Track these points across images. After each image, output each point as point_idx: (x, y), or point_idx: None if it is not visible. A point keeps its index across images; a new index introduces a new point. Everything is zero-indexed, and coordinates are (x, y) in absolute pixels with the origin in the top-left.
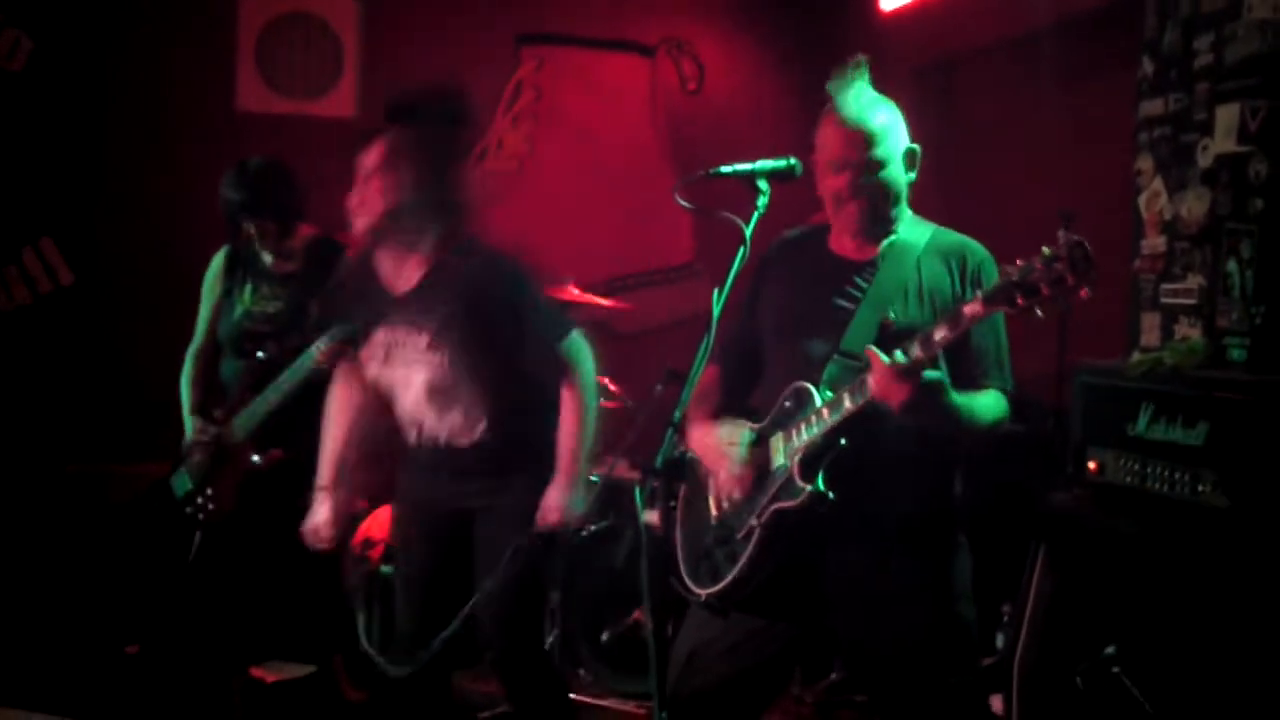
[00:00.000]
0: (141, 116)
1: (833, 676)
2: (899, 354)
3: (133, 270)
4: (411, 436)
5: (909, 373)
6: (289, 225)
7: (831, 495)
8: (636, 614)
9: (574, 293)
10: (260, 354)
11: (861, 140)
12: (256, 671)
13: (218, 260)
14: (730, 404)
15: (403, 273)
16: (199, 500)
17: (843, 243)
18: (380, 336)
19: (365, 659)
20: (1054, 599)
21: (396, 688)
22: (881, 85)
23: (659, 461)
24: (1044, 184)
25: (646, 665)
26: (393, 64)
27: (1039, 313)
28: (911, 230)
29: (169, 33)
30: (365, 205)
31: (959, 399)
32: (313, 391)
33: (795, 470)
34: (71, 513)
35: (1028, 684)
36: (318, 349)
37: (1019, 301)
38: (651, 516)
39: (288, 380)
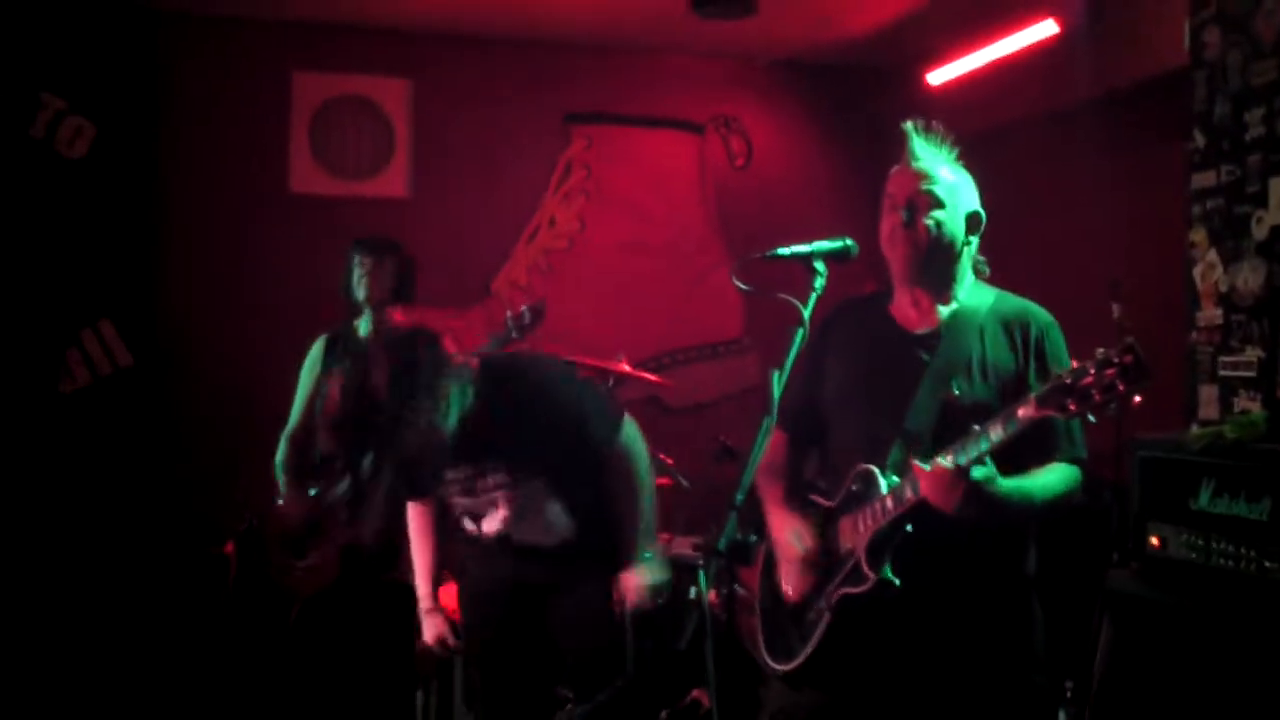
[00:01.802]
0: (198, 199)
1: None
2: (944, 460)
3: (190, 351)
4: (490, 538)
5: (958, 477)
6: (404, 302)
7: (898, 582)
8: (695, 693)
9: (625, 368)
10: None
11: (920, 179)
12: None
13: (318, 346)
14: (796, 475)
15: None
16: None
17: (904, 310)
18: (451, 474)
19: None
20: (1119, 675)
21: None
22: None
23: (722, 544)
24: (1094, 255)
25: None
26: (443, 143)
27: (1091, 418)
28: (973, 296)
29: (224, 117)
30: None
31: (1013, 490)
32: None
33: (862, 558)
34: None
35: None
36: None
37: (1071, 407)
38: (713, 597)
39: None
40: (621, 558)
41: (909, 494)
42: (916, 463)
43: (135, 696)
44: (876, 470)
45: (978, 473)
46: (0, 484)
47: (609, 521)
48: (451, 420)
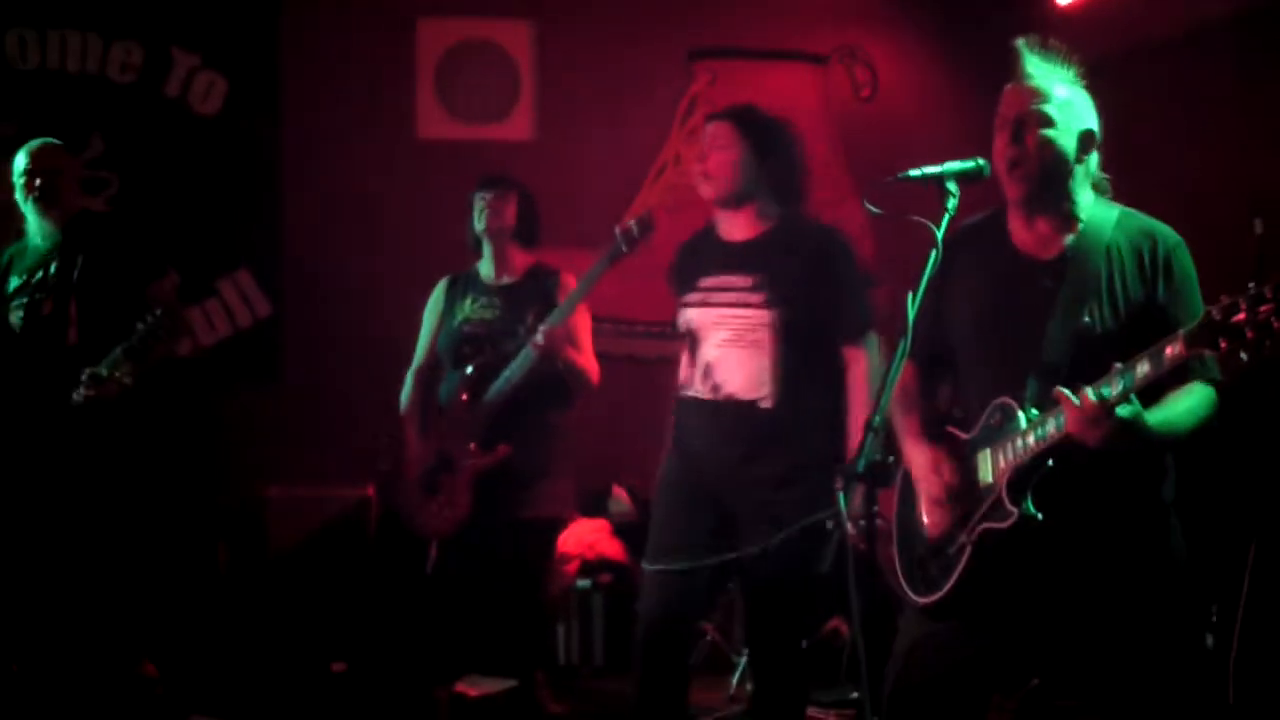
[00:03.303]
0: (327, 149)
1: (1034, 683)
2: (1090, 393)
3: (324, 299)
4: (698, 385)
5: (1104, 413)
6: (527, 243)
7: (1040, 516)
8: (834, 622)
9: None
10: (469, 369)
11: (1031, 97)
12: (460, 687)
13: (440, 286)
14: (928, 403)
15: (742, 227)
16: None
17: (1023, 233)
18: (707, 281)
19: (566, 672)
20: (1266, 598)
21: (647, 683)
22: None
23: (861, 466)
24: (1225, 183)
25: (843, 674)
26: (568, 85)
27: (1243, 356)
28: (1096, 216)
29: (350, 66)
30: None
31: (1158, 422)
32: (532, 394)
33: (1003, 492)
34: (271, 535)
35: (1244, 685)
36: (540, 335)
37: (1222, 345)
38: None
39: (514, 373)
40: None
41: (1052, 429)
42: (1064, 393)
43: (274, 639)
44: (1014, 403)
45: (1124, 410)
46: (138, 421)
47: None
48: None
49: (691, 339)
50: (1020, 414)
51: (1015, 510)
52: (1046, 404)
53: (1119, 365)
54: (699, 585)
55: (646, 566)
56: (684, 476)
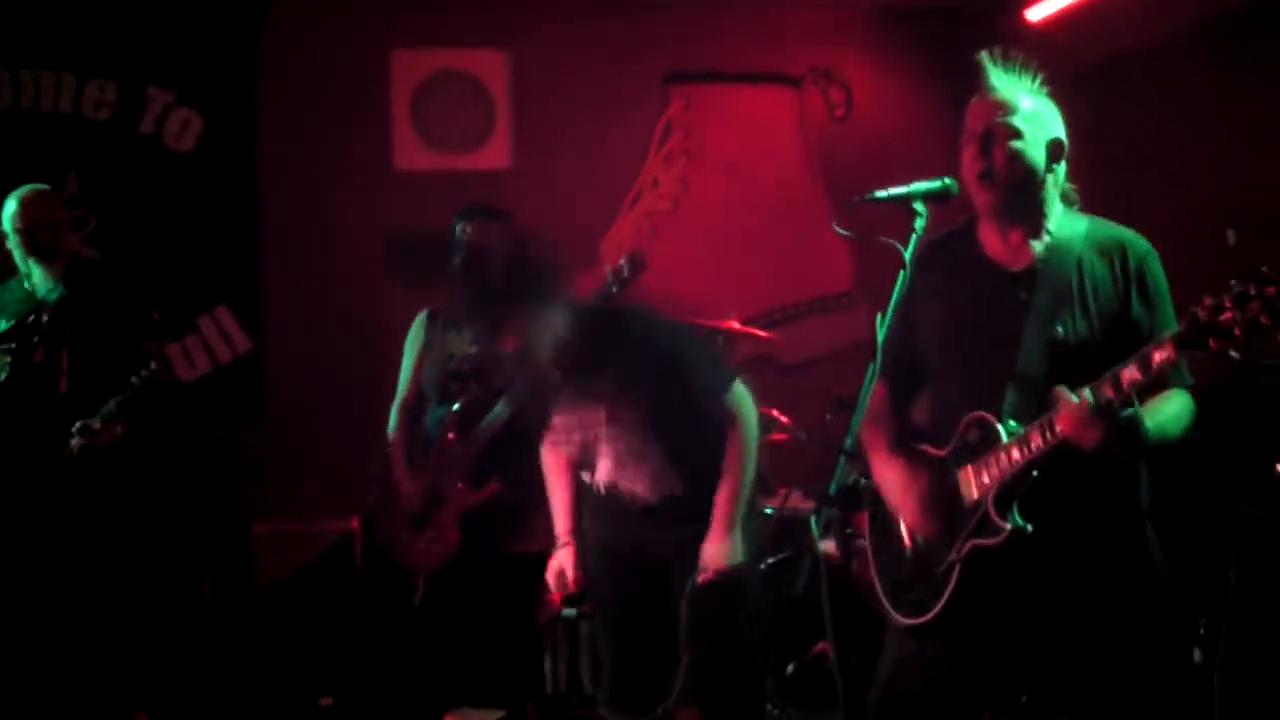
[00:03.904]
0: (304, 182)
1: (1023, 700)
2: (1088, 394)
3: (304, 333)
4: (602, 490)
5: (1102, 414)
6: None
7: (1029, 528)
8: (821, 645)
9: (735, 326)
10: (455, 405)
11: (996, 110)
12: (450, 719)
13: (420, 319)
14: (901, 422)
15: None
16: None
17: (995, 246)
18: (562, 411)
19: (555, 702)
20: (1252, 609)
21: None
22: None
23: (833, 489)
24: (1203, 190)
25: (832, 697)
26: (543, 112)
27: (1234, 355)
28: (1065, 226)
29: (326, 100)
30: None
31: (1153, 426)
32: (520, 429)
33: (991, 508)
34: (258, 571)
35: (1230, 697)
36: (505, 409)
37: (1211, 345)
38: (828, 545)
39: (503, 409)
40: (709, 525)
41: (1039, 439)
42: (1064, 392)
43: (262, 675)
44: (991, 419)
45: (1125, 414)
46: (128, 471)
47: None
48: (555, 355)
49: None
50: (1000, 428)
51: (1006, 526)
52: (1024, 416)
53: (1109, 373)
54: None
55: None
56: (614, 553)
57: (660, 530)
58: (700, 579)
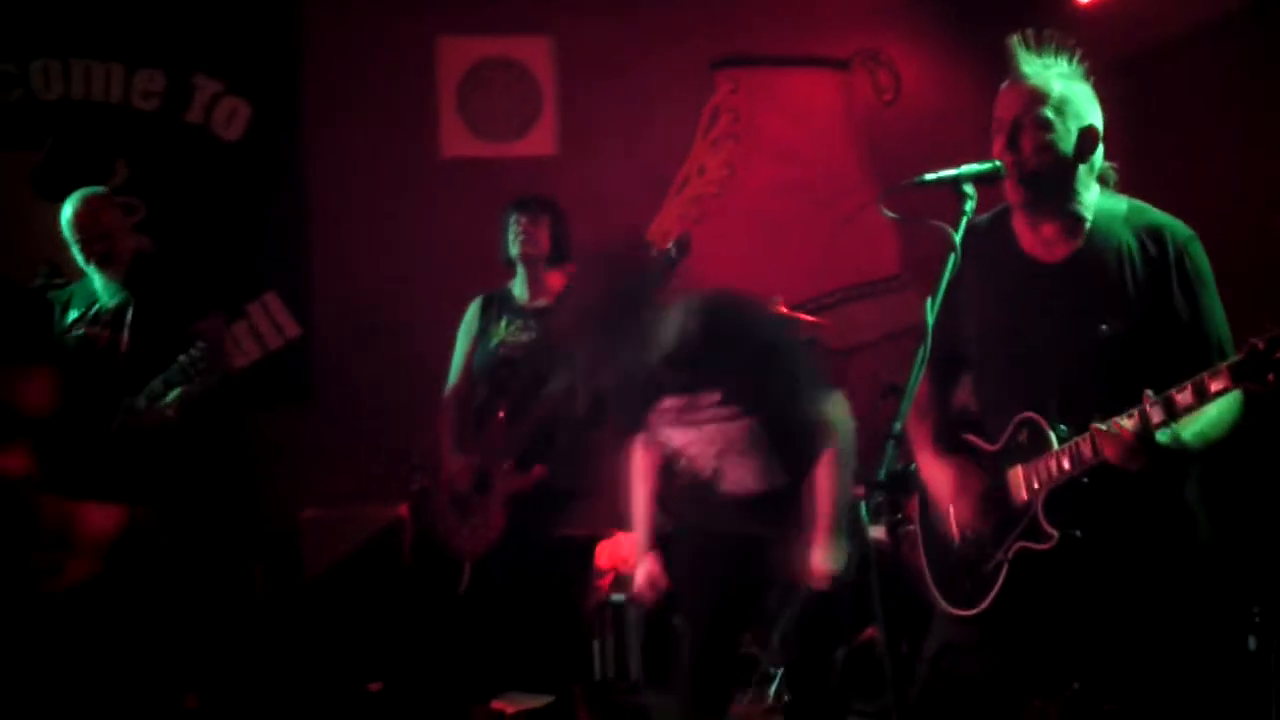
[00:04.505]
0: (351, 171)
1: (1074, 687)
2: (1128, 425)
3: (352, 320)
4: (701, 481)
5: (1145, 444)
6: (560, 263)
7: (1078, 534)
8: (869, 631)
9: (782, 312)
10: (506, 390)
11: (1026, 97)
12: (497, 704)
13: (474, 306)
14: (944, 411)
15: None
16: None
17: (1028, 237)
18: (671, 402)
19: (602, 687)
20: None
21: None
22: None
23: (882, 475)
24: (1251, 175)
25: (881, 683)
26: (589, 99)
27: None
28: (1103, 213)
29: (372, 88)
30: None
31: (1193, 436)
32: (567, 414)
33: (1041, 513)
34: (306, 557)
35: None
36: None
37: (1270, 380)
38: (877, 531)
39: (548, 395)
40: (810, 534)
41: (1088, 453)
42: (1101, 430)
43: (310, 661)
44: (1042, 422)
45: (1163, 436)
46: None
47: None
48: (664, 348)
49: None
50: (1050, 434)
51: (1055, 533)
52: (1068, 415)
53: (1152, 395)
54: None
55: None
56: (701, 548)
57: (757, 524)
58: (813, 586)
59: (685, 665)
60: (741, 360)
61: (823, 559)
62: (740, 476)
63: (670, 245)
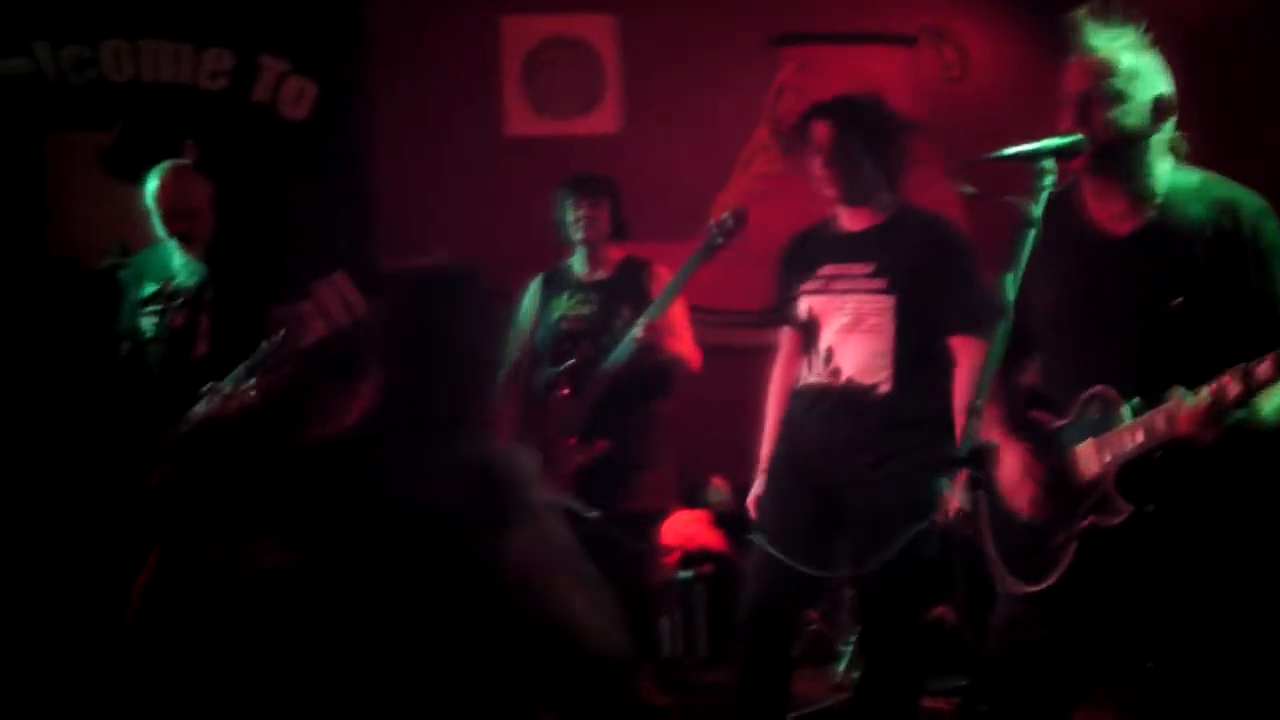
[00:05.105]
0: (416, 150)
1: (1148, 666)
2: (1207, 397)
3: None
4: (817, 371)
5: (1220, 417)
6: (620, 238)
7: (1150, 508)
8: (940, 610)
9: None
10: (569, 363)
11: (1093, 71)
12: None
13: (533, 285)
14: (1011, 388)
15: (861, 218)
16: None
17: (1097, 210)
18: (826, 269)
19: (670, 665)
20: None
21: (751, 671)
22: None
23: (964, 450)
24: None
25: (950, 660)
26: (654, 76)
27: None
28: (1175, 186)
29: (436, 67)
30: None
31: (1272, 410)
32: (631, 386)
33: (1112, 488)
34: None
35: None
36: (639, 328)
37: None
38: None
39: (613, 366)
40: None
41: (1162, 427)
42: (1180, 398)
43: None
44: (1115, 395)
45: (1240, 412)
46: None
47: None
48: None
49: (809, 327)
50: (1124, 408)
51: (1129, 507)
52: (1145, 391)
53: (1234, 369)
54: (806, 575)
55: (760, 543)
56: (795, 468)
57: (858, 431)
58: (940, 520)
59: (745, 624)
60: (913, 249)
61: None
62: (859, 359)
63: (727, 215)
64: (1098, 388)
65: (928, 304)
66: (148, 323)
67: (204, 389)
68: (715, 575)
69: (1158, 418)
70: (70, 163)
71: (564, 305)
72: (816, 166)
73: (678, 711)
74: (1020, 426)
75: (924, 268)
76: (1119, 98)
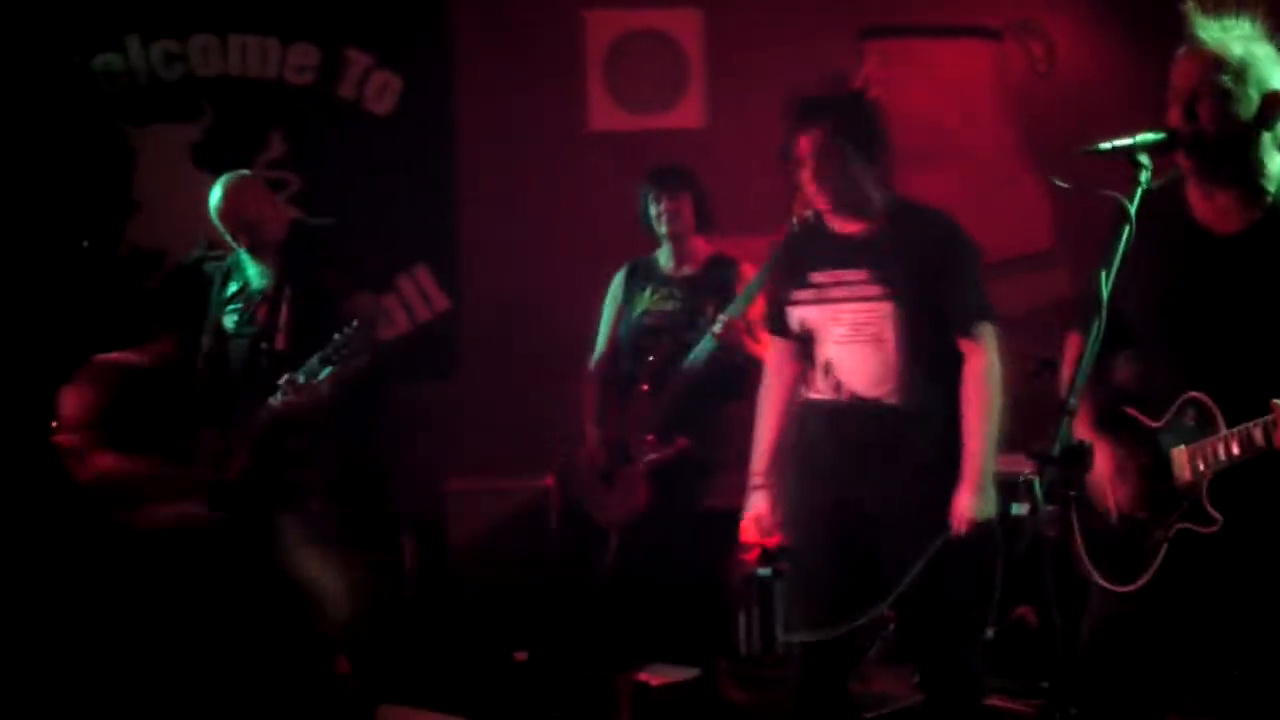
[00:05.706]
0: (499, 145)
1: (1235, 674)
2: None
3: (498, 291)
4: (816, 384)
5: None
6: (704, 231)
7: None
8: (1021, 610)
9: None
10: (650, 359)
11: (1203, 64)
12: (642, 675)
13: (620, 274)
14: (1103, 384)
15: (853, 222)
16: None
17: (1203, 207)
18: (819, 276)
19: (748, 662)
20: None
21: (801, 685)
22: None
23: (1056, 450)
24: None
25: (1032, 662)
26: (737, 70)
27: None
28: None
29: (519, 62)
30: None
31: None
32: (711, 385)
33: (1205, 497)
34: (451, 528)
35: None
36: (719, 325)
37: None
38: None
39: (693, 363)
40: (958, 474)
41: (1260, 439)
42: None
43: (457, 630)
44: (1211, 403)
45: None
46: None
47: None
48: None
49: (804, 338)
50: (1220, 417)
51: (1220, 517)
52: (1243, 398)
53: None
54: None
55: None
56: (815, 496)
57: (868, 445)
58: (954, 530)
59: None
60: (911, 250)
61: (967, 504)
62: (862, 371)
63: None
64: (1195, 393)
65: (930, 307)
66: (230, 319)
67: (280, 381)
68: None
69: (1255, 430)
70: (159, 156)
71: (647, 300)
72: (804, 180)
73: (756, 709)
74: (1113, 425)
75: (924, 268)
76: (1228, 93)
